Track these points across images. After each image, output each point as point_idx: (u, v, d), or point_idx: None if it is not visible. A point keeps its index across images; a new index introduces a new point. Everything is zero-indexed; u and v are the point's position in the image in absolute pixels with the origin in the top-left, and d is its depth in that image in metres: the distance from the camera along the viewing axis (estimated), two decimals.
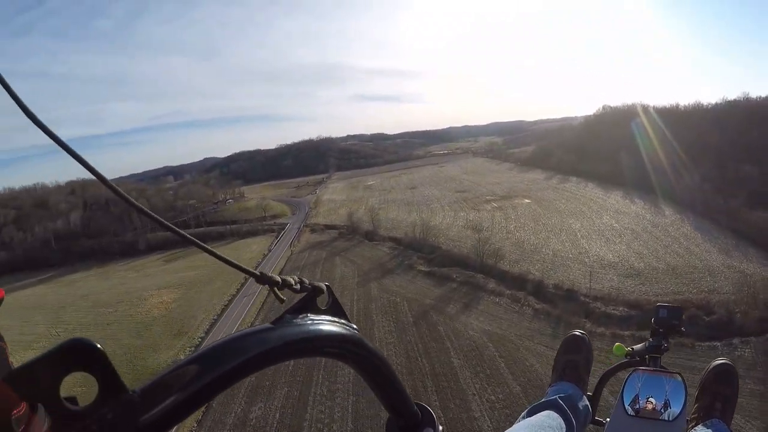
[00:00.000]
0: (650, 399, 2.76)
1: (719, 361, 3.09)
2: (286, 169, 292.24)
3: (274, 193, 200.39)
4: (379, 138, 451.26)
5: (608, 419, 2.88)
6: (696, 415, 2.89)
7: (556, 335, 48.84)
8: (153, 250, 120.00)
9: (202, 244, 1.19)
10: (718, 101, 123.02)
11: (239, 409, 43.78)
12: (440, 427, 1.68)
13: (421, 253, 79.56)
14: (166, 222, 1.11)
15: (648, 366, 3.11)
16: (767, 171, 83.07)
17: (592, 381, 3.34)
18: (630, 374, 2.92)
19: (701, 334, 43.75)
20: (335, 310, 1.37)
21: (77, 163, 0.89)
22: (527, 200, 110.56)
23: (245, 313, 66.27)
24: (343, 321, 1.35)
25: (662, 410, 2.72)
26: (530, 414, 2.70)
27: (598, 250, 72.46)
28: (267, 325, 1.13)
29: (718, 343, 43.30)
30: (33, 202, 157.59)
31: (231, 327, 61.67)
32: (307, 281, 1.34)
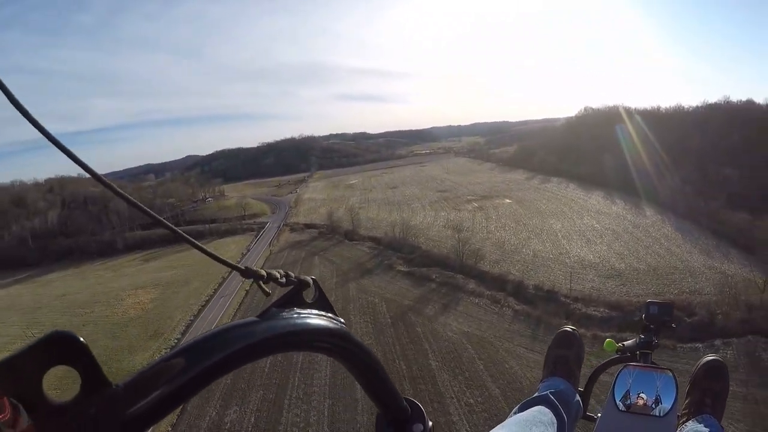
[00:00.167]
0: (641, 395, 2.79)
1: (710, 357, 3.19)
2: (268, 168, 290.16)
3: (254, 191, 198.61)
4: (362, 137, 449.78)
5: (599, 415, 2.90)
6: (687, 410, 2.93)
7: (535, 337, 48.91)
8: (131, 250, 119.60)
9: (192, 239, 1.16)
10: (699, 104, 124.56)
11: (214, 413, 43.08)
12: (430, 423, 1.64)
13: (401, 253, 78.86)
14: (159, 217, 1.11)
15: (639, 362, 3.15)
16: (748, 174, 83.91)
17: (583, 377, 3.34)
18: (621, 370, 2.96)
19: (683, 335, 43.31)
20: (322, 303, 1.35)
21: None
22: (508, 200, 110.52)
23: (222, 313, 65.20)
24: (330, 315, 1.32)
25: (653, 406, 2.74)
26: (522, 409, 2.68)
27: (578, 250, 72.16)
28: (253, 318, 1.10)
29: (700, 345, 43.03)
30: (10, 200, 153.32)
31: (208, 328, 59.71)
32: (292, 275, 1.31)
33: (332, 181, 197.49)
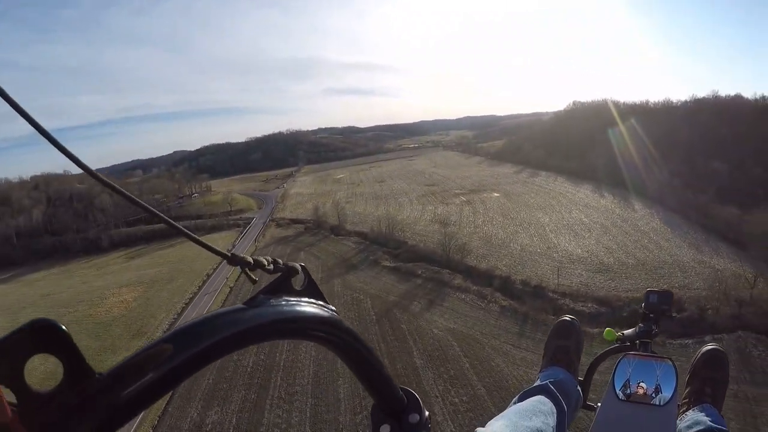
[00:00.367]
0: (641, 384, 2.77)
1: (709, 346, 3.14)
2: (255, 163, 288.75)
3: (241, 186, 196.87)
4: (350, 131, 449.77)
5: (599, 404, 2.88)
6: (687, 399, 2.96)
7: (522, 333, 48.44)
8: (116, 247, 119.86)
9: (184, 228, 1.17)
10: (688, 99, 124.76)
11: (195, 414, 42.52)
12: (426, 412, 1.62)
13: (387, 248, 78.05)
14: (156, 210, 1.11)
15: (639, 351, 3.11)
16: (736, 168, 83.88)
17: (583, 366, 3.32)
18: (621, 359, 2.94)
19: (673, 331, 42.65)
20: (312, 291, 1.30)
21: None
22: (496, 194, 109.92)
23: (206, 311, 63.26)
24: (320, 302, 1.29)
25: (653, 395, 2.73)
26: (521, 399, 2.67)
27: (566, 244, 71.44)
28: (240, 305, 1.08)
29: (690, 341, 41.99)
30: None
31: None
32: (280, 261, 1.28)
33: (320, 176, 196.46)
